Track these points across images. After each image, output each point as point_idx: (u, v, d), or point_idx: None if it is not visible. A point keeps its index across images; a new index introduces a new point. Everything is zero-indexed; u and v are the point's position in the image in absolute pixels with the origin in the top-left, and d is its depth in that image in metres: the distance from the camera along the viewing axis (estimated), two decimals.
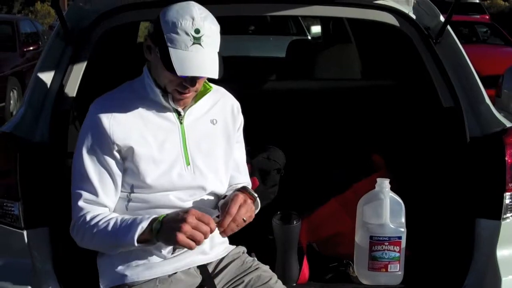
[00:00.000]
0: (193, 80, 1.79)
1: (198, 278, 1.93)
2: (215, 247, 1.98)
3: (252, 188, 2.11)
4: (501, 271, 2.19)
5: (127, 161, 1.85)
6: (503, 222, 2.19)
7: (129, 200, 1.88)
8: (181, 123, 1.90)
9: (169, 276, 1.88)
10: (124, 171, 1.86)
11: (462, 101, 2.38)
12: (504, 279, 2.18)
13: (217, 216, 1.85)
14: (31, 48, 9.83)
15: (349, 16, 2.84)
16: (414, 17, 2.55)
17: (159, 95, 1.86)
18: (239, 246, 2.08)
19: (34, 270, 2.09)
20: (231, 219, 1.78)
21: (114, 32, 2.54)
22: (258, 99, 2.86)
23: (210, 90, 1.94)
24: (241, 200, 1.82)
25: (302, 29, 7.54)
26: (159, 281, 1.86)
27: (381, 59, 3.51)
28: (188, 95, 1.84)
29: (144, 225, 1.73)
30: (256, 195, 1.93)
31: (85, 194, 1.83)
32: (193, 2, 1.80)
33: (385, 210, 2.23)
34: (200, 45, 1.74)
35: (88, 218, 1.81)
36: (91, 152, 1.84)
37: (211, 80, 1.99)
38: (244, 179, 2.09)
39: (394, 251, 2.23)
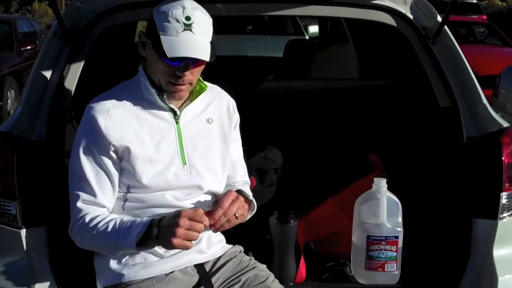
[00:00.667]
0: (185, 68, 1.79)
1: (195, 277, 1.93)
2: (212, 246, 1.98)
3: (249, 187, 2.12)
4: (497, 270, 2.20)
5: (123, 161, 1.85)
6: (499, 222, 2.20)
7: (125, 200, 1.88)
8: (177, 122, 1.90)
9: (166, 275, 1.88)
10: (120, 171, 1.86)
11: (459, 101, 2.38)
12: (501, 279, 2.19)
13: (209, 211, 1.85)
14: (29, 47, 9.83)
15: (346, 16, 2.85)
16: (411, 17, 2.56)
17: (154, 94, 1.87)
18: (236, 245, 2.07)
19: (31, 270, 2.09)
20: (222, 212, 1.78)
21: (112, 31, 2.54)
22: (255, 99, 2.86)
23: (205, 89, 1.94)
24: (233, 196, 1.83)
25: (300, 29, 7.54)
26: (156, 280, 1.86)
27: (378, 59, 3.51)
28: (182, 87, 1.84)
29: (142, 229, 1.74)
30: (251, 198, 1.94)
31: (83, 195, 1.83)
32: None
33: (382, 209, 2.23)
34: (191, 31, 1.76)
35: (87, 219, 1.81)
36: (88, 152, 1.84)
37: (207, 79, 2.00)
38: (242, 178, 2.09)
39: (391, 250, 2.23)
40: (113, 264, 1.87)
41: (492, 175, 2.22)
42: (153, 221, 1.75)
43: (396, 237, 2.23)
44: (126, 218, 1.81)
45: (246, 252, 2.09)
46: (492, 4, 26.12)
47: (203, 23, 1.79)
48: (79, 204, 1.83)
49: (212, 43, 1.81)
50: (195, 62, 1.80)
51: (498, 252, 2.21)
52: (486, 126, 2.35)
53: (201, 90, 1.94)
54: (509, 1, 25.99)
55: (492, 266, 2.20)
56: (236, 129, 2.06)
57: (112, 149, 1.83)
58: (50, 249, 2.11)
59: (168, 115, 1.90)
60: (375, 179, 2.27)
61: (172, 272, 1.89)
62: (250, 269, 1.97)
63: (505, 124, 2.37)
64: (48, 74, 2.31)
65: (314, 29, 8.40)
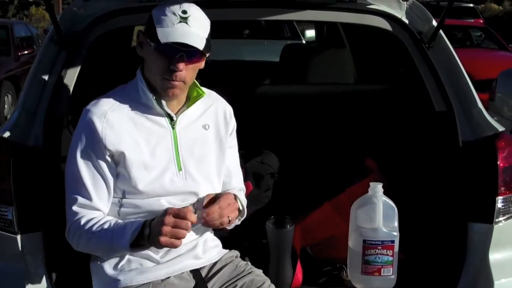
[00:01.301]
0: (179, 60, 1.79)
1: (191, 283, 1.93)
2: (208, 251, 1.98)
3: (245, 192, 2.12)
4: (493, 274, 2.20)
5: (119, 166, 1.85)
6: (495, 226, 2.20)
7: (121, 206, 1.88)
8: (173, 128, 1.91)
9: (162, 280, 1.88)
10: (116, 176, 1.86)
11: (454, 105, 2.38)
12: (497, 283, 2.19)
13: (196, 201, 1.87)
14: (26, 52, 9.83)
15: (343, 20, 2.86)
16: (406, 21, 2.56)
17: (151, 99, 1.87)
18: (232, 250, 2.07)
19: (27, 275, 2.08)
20: (218, 210, 1.81)
21: (108, 36, 2.54)
22: (252, 103, 2.86)
23: (202, 96, 1.95)
24: (231, 199, 1.85)
25: (297, 34, 7.56)
26: (152, 286, 1.86)
27: (374, 64, 3.52)
28: (176, 83, 1.83)
29: (137, 229, 1.74)
30: (244, 206, 1.96)
31: (79, 199, 1.83)
32: None
33: (378, 214, 2.23)
34: (186, 24, 1.79)
35: (82, 222, 1.82)
36: (84, 156, 1.84)
37: (204, 84, 2.00)
38: (237, 184, 2.09)
39: (387, 255, 2.23)
40: (109, 269, 1.87)
41: (487, 179, 2.22)
42: (146, 222, 1.77)
43: (392, 242, 2.23)
44: (121, 220, 1.82)
45: (243, 257, 2.09)
46: (488, 8, 26.19)
47: (199, 18, 1.82)
48: (75, 207, 1.83)
49: (208, 40, 1.82)
50: (190, 57, 1.81)
51: (494, 256, 2.21)
52: (481, 130, 2.36)
53: (198, 96, 1.94)
54: (505, 5, 26.06)
55: (488, 270, 2.20)
56: (232, 136, 2.06)
57: (108, 153, 1.83)
58: (47, 254, 2.11)
59: (164, 121, 1.90)
60: (371, 184, 2.27)
61: (168, 277, 1.89)
62: (247, 274, 1.97)
63: (501, 128, 2.37)
64: (44, 79, 2.31)
65: (310, 33, 8.41)
